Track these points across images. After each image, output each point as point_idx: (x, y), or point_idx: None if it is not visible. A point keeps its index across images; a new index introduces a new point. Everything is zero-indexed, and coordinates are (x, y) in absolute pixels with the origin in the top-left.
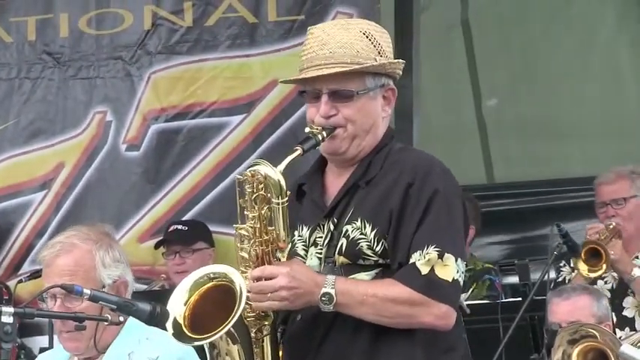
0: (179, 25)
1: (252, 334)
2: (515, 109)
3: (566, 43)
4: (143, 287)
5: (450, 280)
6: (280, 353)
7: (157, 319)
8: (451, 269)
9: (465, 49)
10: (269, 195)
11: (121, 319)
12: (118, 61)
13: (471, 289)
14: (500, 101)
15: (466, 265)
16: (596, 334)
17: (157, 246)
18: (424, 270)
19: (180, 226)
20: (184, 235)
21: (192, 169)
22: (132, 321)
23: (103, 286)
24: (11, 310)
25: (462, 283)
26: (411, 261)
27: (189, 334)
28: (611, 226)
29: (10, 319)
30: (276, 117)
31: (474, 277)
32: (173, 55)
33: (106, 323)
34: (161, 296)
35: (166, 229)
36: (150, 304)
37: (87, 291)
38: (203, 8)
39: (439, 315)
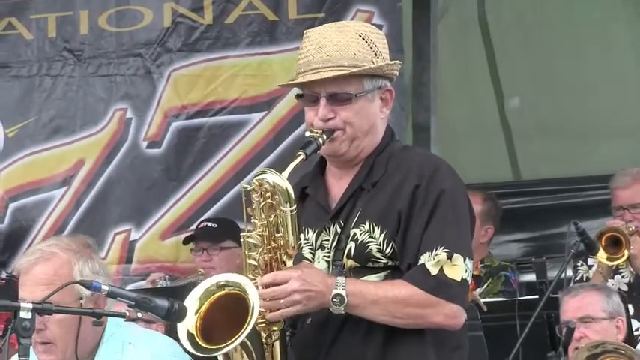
0: (199, 23)
1: (263, 339)
2: (536, 106)
3: (586, 40)
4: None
5: (459, 280)
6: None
7: (175, 315)
8: (460, 269)
9: (485, 48)
10: (277, 203)
11: (139, 315)
12: (138, 59)
13: (486, 284)
14: (522, 99)
15: (483, 262)
16: (615, 348)
17: (185, 242)
18: (434, 271)
19: (210, 224)
20: (213, 233)
21: (214, 166)
22: (111, 326)
23: (81, 298)
24: (30, 305)
25: (469, 282)
26: (420, 262)
27: (203, 345)
28: (631, 229)
29: (29, 315)
30: (297, 114)
31: (489, 273)
32: (193, 53)
33: (124, 319)
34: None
35: (197, 225)
36: (168, 300)
37: (105, 287)
38: (223, 6)
39: (449, 315)
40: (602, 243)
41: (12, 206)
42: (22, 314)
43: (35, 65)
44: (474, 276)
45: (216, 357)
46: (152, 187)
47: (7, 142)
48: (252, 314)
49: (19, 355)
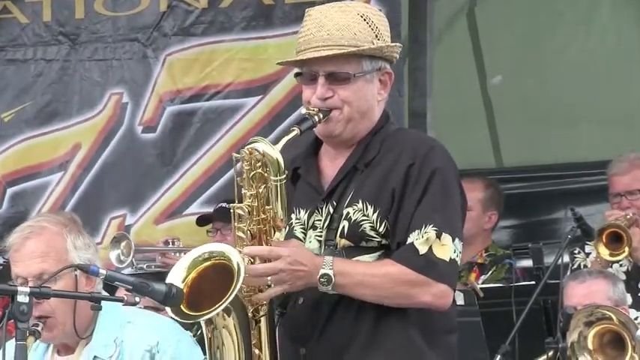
0: (194, 7)
1: (250, 314)
2: (521, 92)
3: (572, 24)
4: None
5: (448, 260)
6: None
7: (172, 300)
8: (448, 249)
9: (469, 31)
10: (267, 173)
11: (137, 299)
12: (135, 43)
13: (490, 272)
14: (506, 82)
15: (487, 251)
16: (613, 316)
17: (199, 223)
18: (422, 249)
19: (225, 204)
20: (226, 214)
21: (208, 150)
22: (106, 303)
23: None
24: (27, 290)
25: (458, 263)
26: (409, 240)
27: (187, 311)
28: (629, 216)
29: (26, 299)
30: (293, 99)
31: (494, 261)
32: (188, 37)
33: (121, 304)
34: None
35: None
36: (165, 285)
37: (103, 271)
38: None
39: (437, 294)
40: (604, 240)
41: (9, 191)
42: (20, 298)
43: (30, 49)
44: (478, 264)
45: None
46: (147, 172)
47: (2, 127)
48: (237, 278)
49: (17, 340)
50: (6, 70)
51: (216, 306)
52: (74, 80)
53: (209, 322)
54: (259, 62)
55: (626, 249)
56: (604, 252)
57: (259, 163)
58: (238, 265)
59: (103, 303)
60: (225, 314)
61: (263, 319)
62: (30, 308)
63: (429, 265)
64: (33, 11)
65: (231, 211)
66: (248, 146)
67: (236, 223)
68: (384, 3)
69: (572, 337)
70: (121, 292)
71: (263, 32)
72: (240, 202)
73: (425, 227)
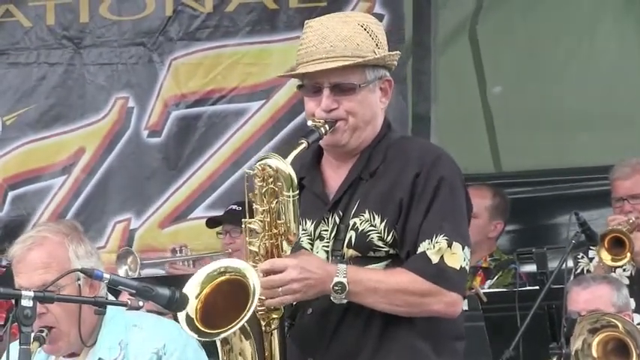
0: (199, 12)
1: (262, 327)
2: (521, 98)
3: (573, 32)
4: (162, 273)
5: (458, 269)
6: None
7: (176, 304)
8: (459, 257)
9: (469, 39)
10: (279, 188)
11: (141, 303)
12: (140, 47)
13: (497, 277)
14: (506, 90)
15: (492, 256)
16: (617, 323)
17: (209, 225)
18: (434, 259)
19: (235, 207)
20: (236, 216)
21: (213, 154)
22: (111, 308)
23: (78, 279)
24: (31, 294)
25: (467, 270)
26: (420, 250)
27: (202, 329)
28: (631, 221)
29: (30, 303)
30: (296, 103)
31: (499, 266)
32: (193, 42)
33: (125, 308)
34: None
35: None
36: (169, 289)
37: (107, 275)
38: None
39: (449, 303)
40: (606, 245)
41: (11, 194)
42: (24, 302)
43: (34, 53)
44: (483, 268)
45: (215, 341)
46: (152, 176)
47: (4, 130)
48: (252, 298)
49: (20, 343)
50: (8, 73)
51: (231, 325)
52: (78, 84)
53: (225, 342)
54: (264, 66)
55: (628, 254)
56: (606, 257)
57: (272, 179)
58: (254, 283)
59: (108, 309)
60: (243, 336)
61: (274, 333)
62: (34, 312)
63: (441, 274)
64: (36, 15)
65: (244, 226)
66: (260, 162)
67: (248, 238)
68: (387, 7)
69: (577, 344)
70: (125, 297)
71: (268, 37)
72: (252, 217)
73: (436, 237)
